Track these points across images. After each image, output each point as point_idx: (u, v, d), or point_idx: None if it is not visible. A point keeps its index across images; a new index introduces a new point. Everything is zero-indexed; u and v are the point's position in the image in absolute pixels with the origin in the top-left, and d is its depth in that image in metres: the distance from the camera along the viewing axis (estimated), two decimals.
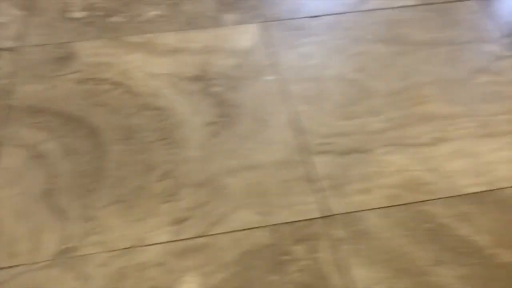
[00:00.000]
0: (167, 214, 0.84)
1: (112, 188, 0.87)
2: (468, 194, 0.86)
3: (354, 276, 0.77)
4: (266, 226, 0.82)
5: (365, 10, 1.21)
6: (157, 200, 0.85)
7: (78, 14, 1.20)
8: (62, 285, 0.75)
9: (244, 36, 1.15)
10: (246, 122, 0.97)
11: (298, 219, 0.83)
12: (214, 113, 0.99)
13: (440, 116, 0.98)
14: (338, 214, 0.83)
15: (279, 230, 0.82)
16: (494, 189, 0.87)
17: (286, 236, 0.81)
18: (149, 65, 1.08)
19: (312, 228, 0.82)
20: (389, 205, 0.85)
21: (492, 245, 0.80)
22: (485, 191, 0.87)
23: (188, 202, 0.85)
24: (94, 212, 0.84)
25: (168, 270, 0.77)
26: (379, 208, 0.84)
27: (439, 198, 0.86)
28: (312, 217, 0.83)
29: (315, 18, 1.20)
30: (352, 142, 0.94)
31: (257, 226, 0.82)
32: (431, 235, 0.81)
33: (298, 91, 1.03)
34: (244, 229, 0.82)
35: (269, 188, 0.87)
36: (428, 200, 0.85)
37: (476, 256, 0.79)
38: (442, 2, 1.23)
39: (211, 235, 0.81)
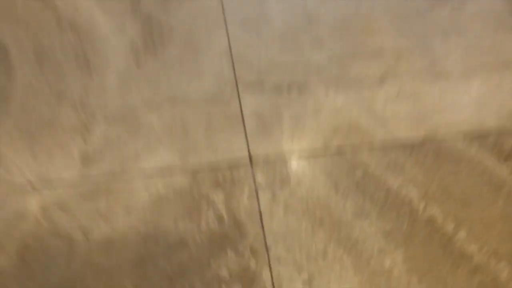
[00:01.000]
0: (76, 150, 0.76)
1: (16, 117, 0.78)
2: (405, 143, 0.80)
3: (271, 227, 0.73)
4: (185, 168, 0.76)
5: None
6: (66, 134, 0.77)
7: None
8: None
9: None
10: (176, 49, 0.87)
11: (221, 161, 0.77)
12: (141, 36, 0.88)
13: (389, 50, 0.89)
14: (262, 158, 0.77)
15: (198, 173, 0.76)
16: (433, 138, 0.81)
17: (205, 180, 0.75)
18: None
19: (234, 172, 0.76)
20: (318, 151, 0.78)
21: (421, 198, 0.76)
22: (423, 140, 0.81)
23: (100, 138, 0.78)
24: None
25: (72, 213, 0.71)
26: (307, 153, 0.78)
27: (373, 148, 0.80)
28: (236, 159, 0.77)
29: None
30: (289, 77, 0.85)
31: (174, 167, 0.76)
32: (359, 186, 0.76)
33: (238, 15, 0.91)
34: (160, 171, 0.75)
35: (193, 125, 0.80)
36: (361, 148, 0.79)
37: (403, 211, 0.75)
38: None
39: (122, 176, 0.75)
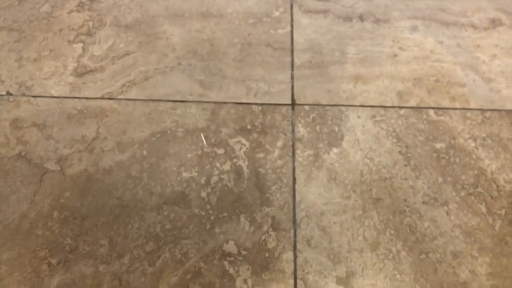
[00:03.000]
0: (73, 59, 0.59)
1: (6, 9, 0.62)
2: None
3: (305, 195, 0.52)
4: (204, 102, 0.56)
5: None
6: (65, 36, 0.60)
7: None
8: None
9: None
10: None
11: (252, 99, 0.56)
12: None
13: None
14: (310, 104, 0.56)
15: (221, 111, 0.56)
16: None
17: (227, 121, 0.55)
18: None
19: (268, 116, 0.56)
20: (389, 106, 0.56)
21: None
22: None
23: (104, 47, 0.59)
24: None
25: (50, 135, 0.54)
26: (372, 107, 0.56)
27: (468, 110, 0.56)
28: (273, 100, 0.56)
29: None
30: (364, 4, 0.62)
31: (190, 99, 0.57)
32: (439, 161, 0.53)
33: None
34: (171, 100, 0.56)
35: (224, 49, 0.60)
36: (450, 109, 0.56)
37: (499, 203, 0.51)
38: None
39: (119, 99, 0.56)
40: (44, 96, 0.57)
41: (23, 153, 0.53)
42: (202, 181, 0.53)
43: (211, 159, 0.54)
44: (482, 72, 0.59)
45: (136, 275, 0.48)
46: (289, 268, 0.49)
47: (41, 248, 0.48)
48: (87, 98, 0.57)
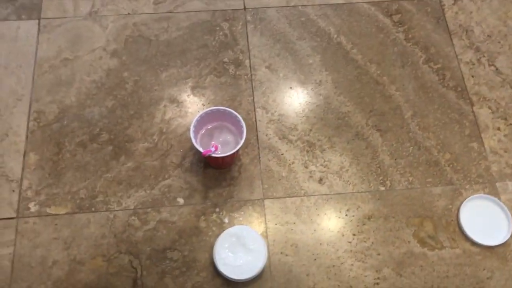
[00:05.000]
0: None
1: None
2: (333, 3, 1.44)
3: (251, 41, 1.39)
4: (208, 10, 1.43)
5: None
6: None
7: None
8: (91, 31, 1.38)
9: None
10: None
11: (227, 9, 1.43)
12: None
13: None
14: (252, 9, 1.43)
15: (215, 13, 1.42)
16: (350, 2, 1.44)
17: (219, 17, 1.42)
18: None
19: (234, 14, 1.42)
20: (284, 5, 1.43)
21: (336, 32, 1.40)
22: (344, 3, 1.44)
23: None
24: None
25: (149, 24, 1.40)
26: (277, 6, 1.43)
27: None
28: (236, 8, 1.43)
29: None
30: None
31: (202, 10, 1.43)
32: (303, 24, 1.41)
33: None
34: (194, 11, 1.43)
35: None
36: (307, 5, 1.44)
37: (326, 43, 1.40)
38: None
39: (175, 12, 1.42)
40: None
41: None
42: None
43: None
44: None
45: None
46: (248, 66, 1.37)
47: None
48: None
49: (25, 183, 1.15)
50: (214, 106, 1.19)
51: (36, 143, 1.20)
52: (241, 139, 1.06)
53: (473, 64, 1.33)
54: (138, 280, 1.06)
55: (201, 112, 1.09)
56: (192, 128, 1.07)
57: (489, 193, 1.16)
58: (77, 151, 1.20)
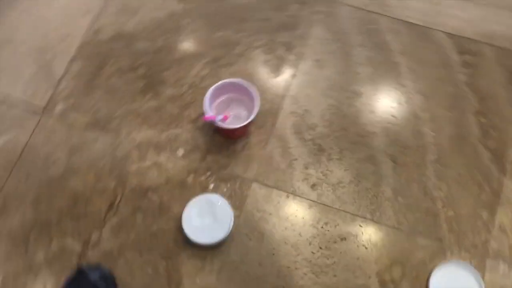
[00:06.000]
0: None
1: None
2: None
3: (312, 31, 1.38)
4: None
5: None
6: None
7: None
8: None
9: None
10: None
11: None
12: None
13: None
14: None
15: None
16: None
17: None
18: None
19: None
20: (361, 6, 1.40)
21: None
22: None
23: None
24: None
25: None
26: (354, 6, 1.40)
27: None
28: None
29: None
30: None
31: None
32: (368, 32, 1.38)
33: None
34: None
35: None
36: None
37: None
38: None
39: None
40: None
41: None
42: None
43: None
44: None
45: None
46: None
47: None
48: None
49: (62, 84, 1.28)
50: (243, 78, 1.20)
51: (84, 54, 1.32)
52: (250, 117, 1.09)
53: None
54: (114, 205, 1.15)
55: (226, 80, 1.14)
56: (210, 91, 1.12)
57: (475, 266, 1.09)
58: (114, 75, 1.29)
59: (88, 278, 1.03)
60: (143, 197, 1.16)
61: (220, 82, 1.12)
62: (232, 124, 1.13)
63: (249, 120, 1.08)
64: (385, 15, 1.38)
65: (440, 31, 1.36)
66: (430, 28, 1.37)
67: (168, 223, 1.13)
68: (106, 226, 1.13)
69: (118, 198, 1.16)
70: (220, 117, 1.12)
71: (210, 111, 1.11)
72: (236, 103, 1.17)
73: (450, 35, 1.36)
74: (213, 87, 1.11)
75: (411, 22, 1.37)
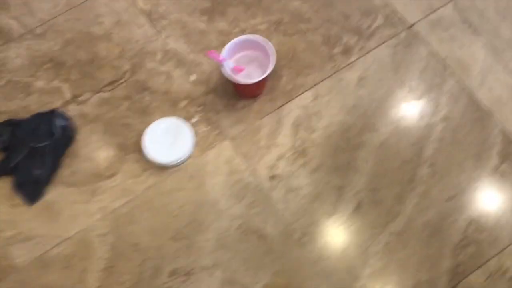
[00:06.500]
0: None
1: None
2: None
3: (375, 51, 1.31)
4: None
5: None
6: None
7: None
8: None
9: None
10: None
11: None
12: None
13: None
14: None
15: None
16: None
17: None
18: None
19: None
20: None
21: None
22: None
23: None
24: None
25: None
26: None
27: None
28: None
29: None
30: None
31: None
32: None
33: None
34: None
35: None
36: None
37: None
38: None
39: None
40: None
41: None
42: None
43: None
44: None
45: None
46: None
47: None
48: None
49: None
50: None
51: None
52: (260, 76, 1.11)
53: None
54: (115, 83, 1.27)
55: (248, 35, 1.15)
56: (232, 42, 1.15)
57: None
58: None
59: (54, 120, 1.17)
60: (139, 92, 1.26)
61: (244, 36, 1.14)
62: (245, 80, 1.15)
63: (256, 79, 1.10)
64: None
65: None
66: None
67: (141, 125, 1.22)
68: (98, 94, 1.25)
69: (122, 80, 1.27)
70: (231, 64, 1.14)
71: (223, 58, 1.13)
72: (256, 63, 1.18)
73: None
74: (236, 39, 1.14)
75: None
